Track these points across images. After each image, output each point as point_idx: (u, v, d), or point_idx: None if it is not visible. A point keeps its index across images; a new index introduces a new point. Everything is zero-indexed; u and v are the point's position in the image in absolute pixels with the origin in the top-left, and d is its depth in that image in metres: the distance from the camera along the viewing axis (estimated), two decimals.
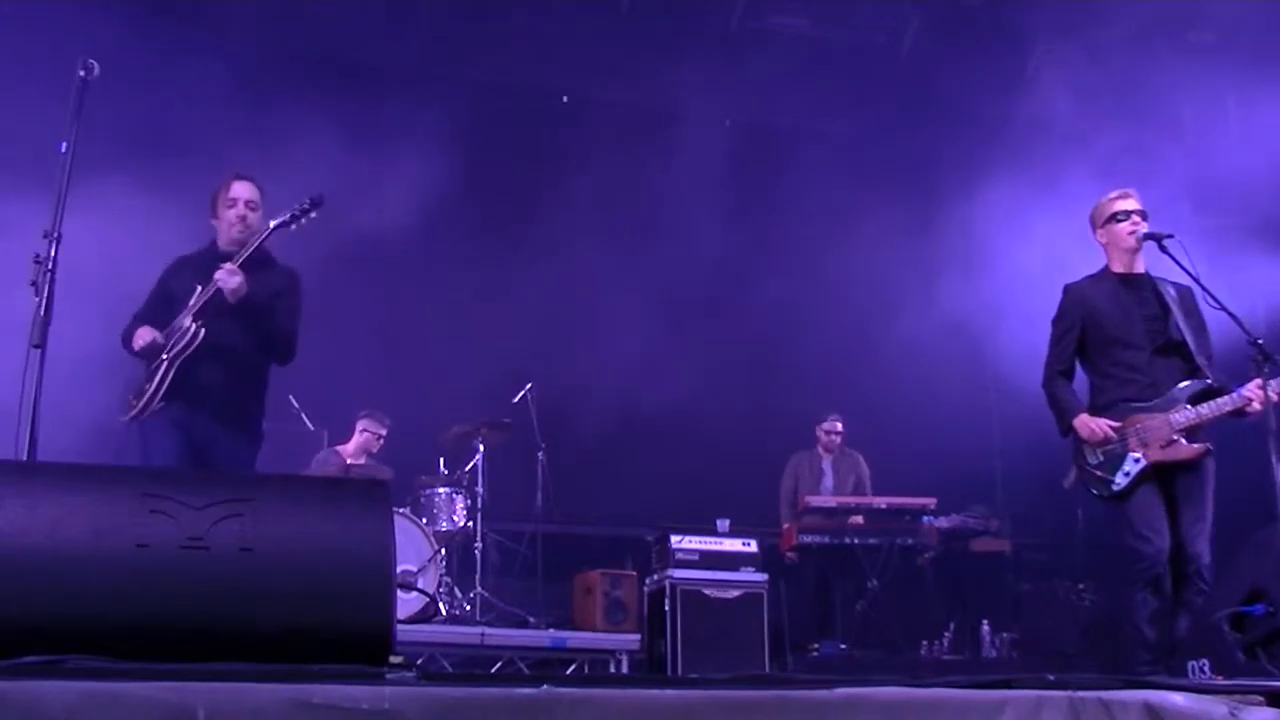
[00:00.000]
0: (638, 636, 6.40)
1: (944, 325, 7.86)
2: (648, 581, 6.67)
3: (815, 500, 7.59)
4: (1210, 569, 4.31)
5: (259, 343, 4.47)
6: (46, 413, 3.30)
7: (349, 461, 7.05)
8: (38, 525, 2.05)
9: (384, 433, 7.27)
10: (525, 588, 7.24)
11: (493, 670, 5.90)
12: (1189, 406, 4.43)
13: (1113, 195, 4.75)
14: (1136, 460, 4.41)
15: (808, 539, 7.40)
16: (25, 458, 3.19)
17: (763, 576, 6.45)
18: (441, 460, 7.14)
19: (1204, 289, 4.48)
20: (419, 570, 6.08)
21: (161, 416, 4.31)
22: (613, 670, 6.22)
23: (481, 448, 7.08)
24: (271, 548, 2.17)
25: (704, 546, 6.46)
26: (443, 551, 6.46)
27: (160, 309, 4.50)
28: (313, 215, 4.47)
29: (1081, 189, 5.61)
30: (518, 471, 7.46)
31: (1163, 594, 4.34)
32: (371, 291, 7.77)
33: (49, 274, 3.47)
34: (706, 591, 6.30)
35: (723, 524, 6.73)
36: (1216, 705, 2.02)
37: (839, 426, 8.00)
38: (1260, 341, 4.30)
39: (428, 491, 6.84)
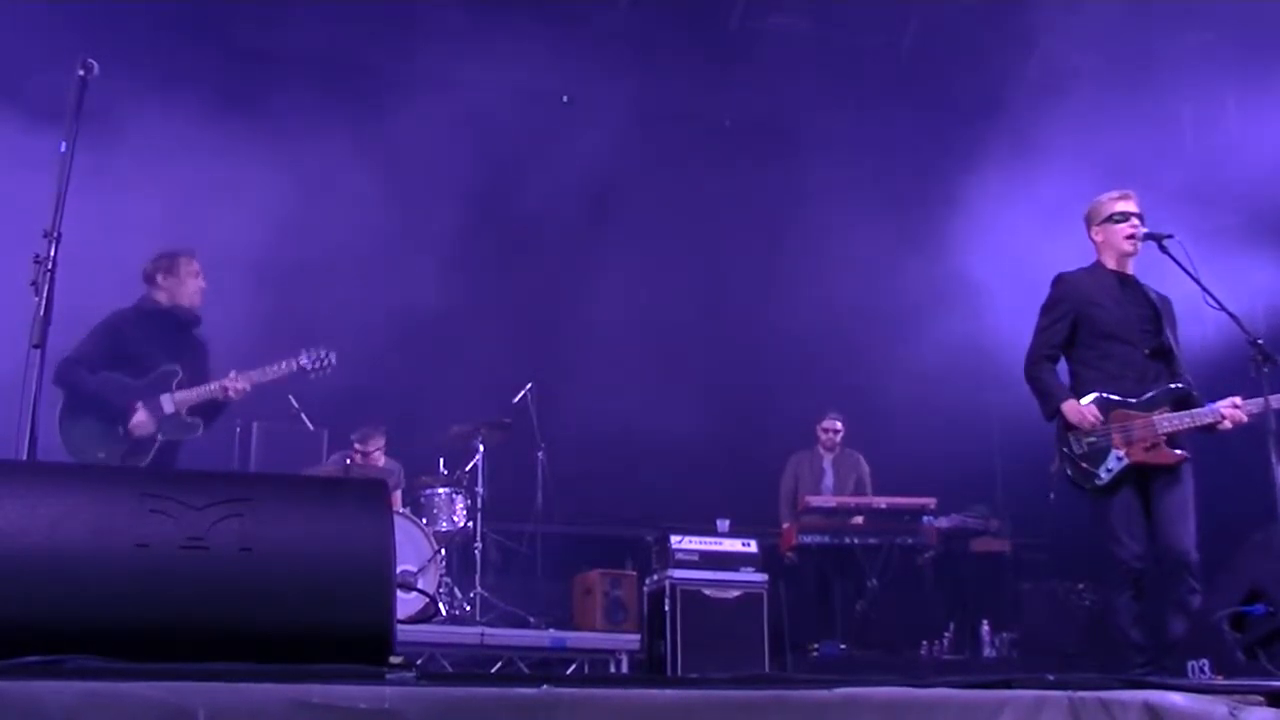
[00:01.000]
0: (637, 636, 6.40)
1: (944, 325, 7.85)
2: (647, 581, 6.67)
3: (815, 500, 7.58)
4: (1199, 567, 4.29)
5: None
6: (46, 413, 3.30)
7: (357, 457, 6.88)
8: (38, 525, 2.05)
9: (372, 450, 6.95)
10: (525, 588, 7.23)
11: (492, 670, 5.89)
12: (1170, 411, 4.43)
13: (1112, 195, 4.73)
14: (1120, 458, 4.39)
15: (808, 539, 7.39)
16: (25, 458, 3.19)
17: (762, 577, 6.44)
18: (441, 460, 7.12)
19: (1204, 289, 4.46)
20: (419, 570, 6.07)
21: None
22: (613, 670, 6.22)
23: (481, 448, 7.07)
24: (271, 548, 2.17)
25: (704, 547, 6.46)
26: (442, 551, 6.45)
27: (108, 355, 4.74)
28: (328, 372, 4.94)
29: (1082, 189, 5.61)
30: (518, 471, 7.46)
31: (1144, 596, 4.32)
32: (371, 292, 7.75)
33: (49, 274, 3.47)
34: (706, 592, 6.30)
35: (723, 524, 6.73)
36: (1216, 705, 2.02)
37: (839, 425, 7.99)
38: (1260, 341, 4.29)
39: (428, 491, 6.83)
